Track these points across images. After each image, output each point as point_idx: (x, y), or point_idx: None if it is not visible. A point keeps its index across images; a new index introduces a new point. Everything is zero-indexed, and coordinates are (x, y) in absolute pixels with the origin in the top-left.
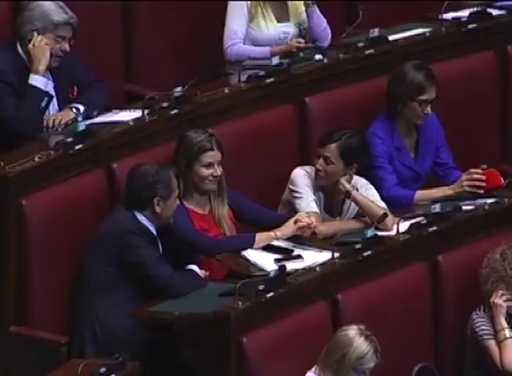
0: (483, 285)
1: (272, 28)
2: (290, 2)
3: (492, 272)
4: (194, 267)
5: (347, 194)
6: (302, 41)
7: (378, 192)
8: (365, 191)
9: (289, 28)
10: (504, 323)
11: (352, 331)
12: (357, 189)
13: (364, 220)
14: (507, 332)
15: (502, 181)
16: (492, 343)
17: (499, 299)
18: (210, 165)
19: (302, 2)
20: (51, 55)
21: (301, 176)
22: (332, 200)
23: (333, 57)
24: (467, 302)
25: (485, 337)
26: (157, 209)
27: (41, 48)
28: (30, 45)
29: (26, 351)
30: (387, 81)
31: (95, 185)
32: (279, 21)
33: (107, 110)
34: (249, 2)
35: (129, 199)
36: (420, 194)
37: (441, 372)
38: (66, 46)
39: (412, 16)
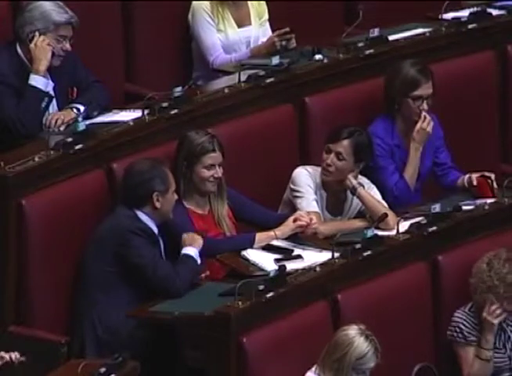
0: (472, 293)
1: (232, 34)
2: (251, 5)
3: (479, 282)
4: (190, 250)
5: (353, 190)
6: (278, 32)
7: (382, 191)
8: (368, 190)
9: (250, 32)
10: (492, 344)
11: (353, 331)
12: (363, 187)
13: (364, 220)
14: (490, 354)
15: (492, 193)
16: (469, 350)
17: (491, 317)
18: (211, 167)
19: (263, 2)
20: (53, 54)
21: (303, 176)
22: (334, 199)
23: (333, 57)
24: (467, 302)
25: (460, 341)
26: (157, 205)
27: (43, 48)
28: (32, 45)
29: (26, 351)
30: (384, 80)
31: (96, 185)
32: (240, 26)
33: (107, 110)
34: (206, 8)
35: (128, 197)
36: (407, 175)
37: (441, 372)
38: (68, 45)
39: (412, 16)
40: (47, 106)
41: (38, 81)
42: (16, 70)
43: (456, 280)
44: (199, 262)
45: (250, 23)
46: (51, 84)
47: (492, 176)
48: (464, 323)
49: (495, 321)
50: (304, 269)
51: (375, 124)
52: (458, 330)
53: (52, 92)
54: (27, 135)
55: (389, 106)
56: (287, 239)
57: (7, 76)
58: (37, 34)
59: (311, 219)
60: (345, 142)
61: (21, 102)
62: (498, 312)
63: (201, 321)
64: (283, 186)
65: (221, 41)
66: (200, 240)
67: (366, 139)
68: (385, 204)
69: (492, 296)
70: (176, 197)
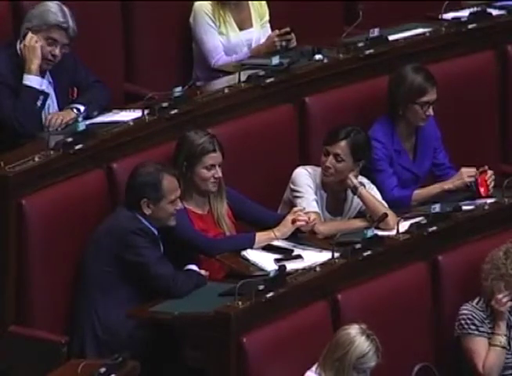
0: (483, 280)
1: (234, 37)
2: (252, 7)
3: (493, 268)
4: (193, 267)
5: (354, 190)
6: (277, 31)
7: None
8: (368, 190)
9: (251, 34)
10: (504, 329)
11: (354, 330)
12: (364, 186)
13: (364, 219)
14: (504, 340)
15: (488, 192)
16: (481, 342)
17: (498, 305)
18: (211, 167)
19: (264, 3)
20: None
21: (303, 176)
22: (334, 199)
23: (333, 57)
24: (467, 301)
25: (472, 332)
26: (146, 211)
27: (32, 47)
28: (21, 45)
29: (26, 351)
30: (387, 85)
31: (96, 185)
32: (241, 28)
33: (107, 110)
34: (208, 11)
35: (125, 198)
36: (419, 193)
37: (441, 372)
38: (57, 51)
39: (412, 16)
40: (43, 105)
41: (32, 81)
42: (14, 69)
43: (456, 280)
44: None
45: (251, 26)
46: (45, 82)
47: (490, 173)
48: (473, 315)
49: (503, 309)
50: (304, 269)
51: (374, 129)
52: (469, 321)
53: (47, 90)
54: (25, 135)
55: (392, 111)
56: (287, 239)
57: (5, 76)
58: (29, 32)
59: (309, 217)
60: (342, 143)
61: (17, 102)
62: (504, 300)
63: (201, 321)
64: (283, 186)
65: (223, 44)
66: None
67: (363, 137)
68: (385, 204)
69: (502, 284)
70: (178, 206)
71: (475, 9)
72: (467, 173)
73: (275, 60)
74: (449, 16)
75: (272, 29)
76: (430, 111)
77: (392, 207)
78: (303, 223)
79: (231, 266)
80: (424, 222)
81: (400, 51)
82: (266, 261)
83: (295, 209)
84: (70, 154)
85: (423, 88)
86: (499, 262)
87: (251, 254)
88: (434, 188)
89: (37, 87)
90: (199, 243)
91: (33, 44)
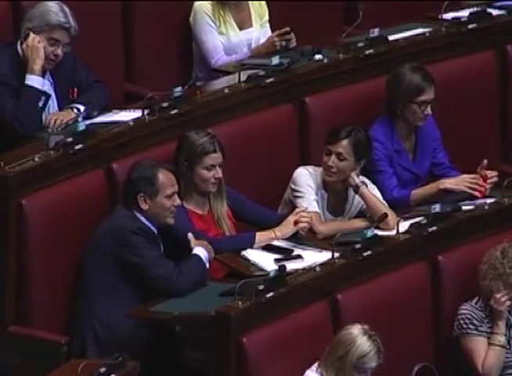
0: (481, 280)
1: (234, 36)
2: (252, 7)
3: (490, 268)
4: (201, 251)
5: (356, 189)
6: (278, 31)
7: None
8: (369, 189)
9: (251, 34)
10: (504, 329)
11: (356, 330)
12: (366, 185)
13: (364, 219)
14: (503, 339)
15: (484, 193)
16: (480, 342)
17: (497, 305)
18: (212, 167)
19: (264, 3)
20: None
21: (304, 176)
22: (335, 199)
23: (333, 57)
24: (467, 301)
25: (472, 332)
26: (143, 206)
27: (35, 47)
28: (24, 46)
29: (26, 351)
30: (385, 85)
31: (95, 185)
32: (241, 28)
33: (107, 110)
34: (208, 11)
35: (122, 195)
36: (416, 193)
37: (441, 372)
38: (59, 51)
39: (412, 16)
40: (44, 105)
41: (34, 81)
42: (15, 69)
43: (456, 279)
44: (207, 266)
45: (251, 25)
46: (47, 82)
47: (489, 175)
48: (472, 314)
49: (502, 308)
50: (304, 269)
51: (374, 129)
52: (468, 321)
53: (49, 91)
54: (25, 135)
55: (390, 111)
56: (287, 239)
57: (7, 76)
58: (31, 32)
59: (310, 217)
60: (344, 142)
61: (18, 102)
62: (503, 299)
63: (201, 321)
64: (283, 186)
65: (223, 44)
66: (211, 248)
67: (364, 135)
68: (386, 204)
69: (501, 284)
70: (177, 202)
71: (475, 9)
72: (468, 183)
73: (275, 60)
74: (449, 16)
75: (272, 29)
76: (429, 110)
77: (392, 207)
78: (305, 225)
79: (231, 266)
80: (424, 222)
81: (400, 51)
82: (266, 261)
83: (297, 210)
84: (70, 154)
85: (420, 88)
86: (496, 261)
87: (251, 254)
88: (431, 187)
89: (40, 87)
90: None
91: (36, 44)
